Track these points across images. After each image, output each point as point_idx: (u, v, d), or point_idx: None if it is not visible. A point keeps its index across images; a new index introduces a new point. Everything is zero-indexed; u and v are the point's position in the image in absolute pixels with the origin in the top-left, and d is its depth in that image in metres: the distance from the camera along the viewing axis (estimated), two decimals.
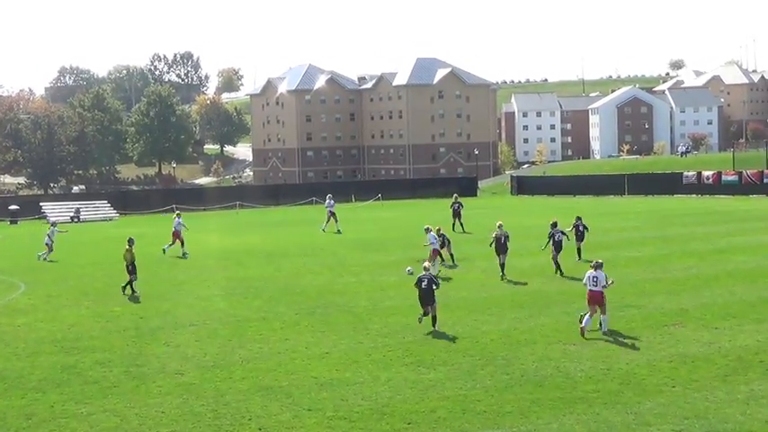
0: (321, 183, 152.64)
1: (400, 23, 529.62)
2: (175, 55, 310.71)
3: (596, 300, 26.46)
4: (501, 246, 37.19)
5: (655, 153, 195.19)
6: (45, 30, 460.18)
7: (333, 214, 62.22)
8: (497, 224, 38.18)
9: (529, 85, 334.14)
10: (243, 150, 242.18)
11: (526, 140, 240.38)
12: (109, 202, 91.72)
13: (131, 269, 35.59)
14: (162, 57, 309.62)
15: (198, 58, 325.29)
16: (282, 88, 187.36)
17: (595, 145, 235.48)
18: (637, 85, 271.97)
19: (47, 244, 49.56)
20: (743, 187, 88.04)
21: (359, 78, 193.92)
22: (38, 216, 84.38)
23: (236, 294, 35.23)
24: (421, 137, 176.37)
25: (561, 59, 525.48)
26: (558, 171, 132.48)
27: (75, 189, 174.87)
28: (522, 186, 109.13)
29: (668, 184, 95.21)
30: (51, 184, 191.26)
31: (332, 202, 63.52)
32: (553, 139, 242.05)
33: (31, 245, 55.24)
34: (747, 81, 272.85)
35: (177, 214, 51.80)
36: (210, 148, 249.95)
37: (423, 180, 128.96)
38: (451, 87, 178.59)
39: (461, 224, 58.70)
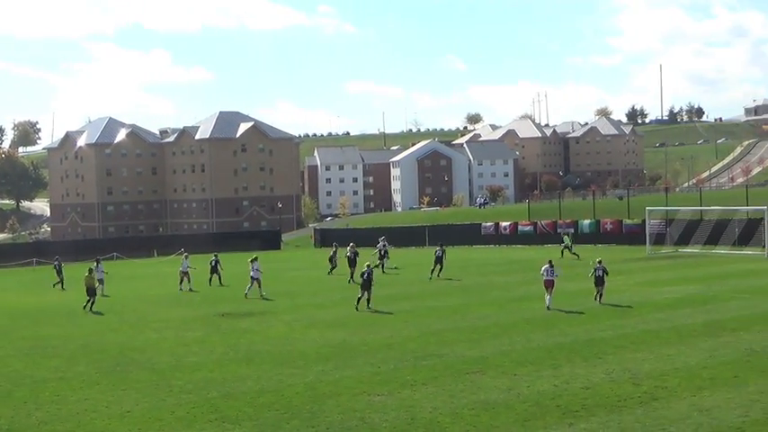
0: (122, 237, 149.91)
1: (203, 78, 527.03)
2: None
3: (549, 285, 40.69)
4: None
5: (454, 205, 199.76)
6: None
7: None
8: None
9: (331, 138, 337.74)
10: (40, 206, 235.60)
11: (329, 193, 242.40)
12: None
13: (91, 291, 46.65)
14: None
15: None
16: (81, 142, 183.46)
17: (397, 197, 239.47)
18: (436, 139, 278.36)
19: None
20: (538, 237, 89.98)
21: (161, 132, 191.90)
22: None
23: (32, 354, 33.98)
24: (224, 190, 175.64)
25: (363, 113, 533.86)
26: (361, 223, 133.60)
27: None
28: (326, 239, 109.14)
29: (467, 234, 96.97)
30: None
31: (385, 243, 67.06)
32: (356, 192, 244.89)
33: None
34: (540, 135, 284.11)
35: None
36: (5, 203, 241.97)
37: (225, 234, 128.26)
38: (254, 141, 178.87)
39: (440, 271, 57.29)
